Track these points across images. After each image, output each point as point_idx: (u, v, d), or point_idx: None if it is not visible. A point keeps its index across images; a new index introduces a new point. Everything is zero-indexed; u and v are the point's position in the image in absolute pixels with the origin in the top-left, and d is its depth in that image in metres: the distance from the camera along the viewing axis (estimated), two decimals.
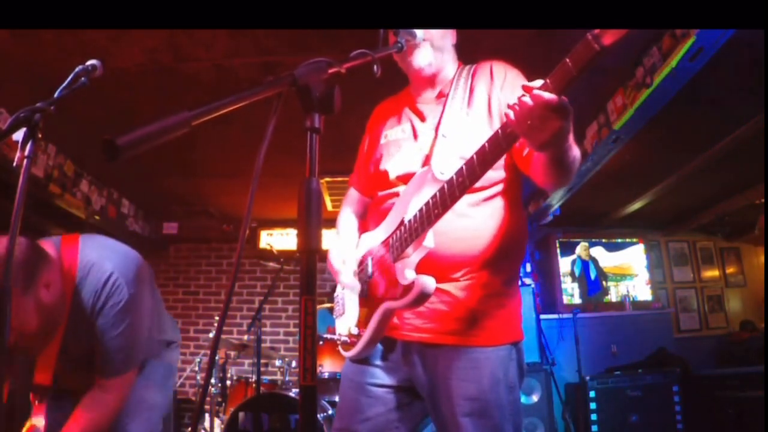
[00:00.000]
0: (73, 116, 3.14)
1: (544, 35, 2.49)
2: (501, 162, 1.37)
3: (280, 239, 5.58)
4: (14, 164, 1.08)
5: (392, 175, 1.45)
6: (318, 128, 0.84)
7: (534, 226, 4.80)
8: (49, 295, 1.44)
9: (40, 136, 1.07)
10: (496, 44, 2.52)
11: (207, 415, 3.74)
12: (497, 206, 1.37)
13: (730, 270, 6.01)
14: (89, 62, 1.22)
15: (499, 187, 1.38)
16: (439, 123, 1.40)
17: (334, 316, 1.58)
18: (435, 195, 1.20)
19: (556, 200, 4.35)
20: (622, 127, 3.03)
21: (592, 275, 5.63)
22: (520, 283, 1.71)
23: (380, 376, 1.40)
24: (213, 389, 3.82)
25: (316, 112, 0.84)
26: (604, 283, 5.63)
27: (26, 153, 1.05)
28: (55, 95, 1.14)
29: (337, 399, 2.26)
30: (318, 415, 3.03)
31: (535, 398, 4.23)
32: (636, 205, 4.98)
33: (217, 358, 3.81)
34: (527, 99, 0.96)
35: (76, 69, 1.20)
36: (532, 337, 4.42)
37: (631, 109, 2.86)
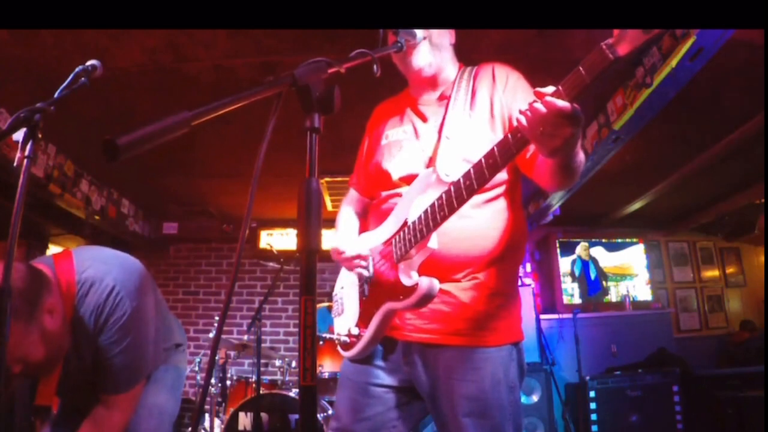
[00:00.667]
0: (73, 116, 3.14)
1: (544, 35, 2.49)
2: None
3: (280, 239, 5.58)
4: (14, 164, 1.08)
5: (395, 176, 1.45)
6: (318, 128, 0.84)
7: (534, 226, 4.79)
8: (53, 321, 1.38)
9: (40, 136, 1.07)
10: (495, 44, 2.53)
11: (207, 415, 3.74)
12: (499, 207, 1.37)
13: (730, 270, 6.02)
14: (89, 62, 1.22)
15: (501, 189, 1.38)
16: (442, 125, 1.40)
17: (333, 316, 1.58)
18: (441, 197, 1.20)
19: (556, 200, 4.35)
20: (622, 127, 3.03)
21: (592, 275, 5.62)
22: (520, 283, 1.71)
23: (380, 376, 1.40)
24: (213, 389, 3.82)
25: (316, 112, 0.84)
26: (604, 283, 5.62)
27: (26, 153, 1.05)
28: (55, 95, 1.14)
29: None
30: (318, 415, 3.03)
31: (535, 398, 4.23)
32: (636, 205, 4.98)
33: (217, 358, 3.80)
34: (539, 105, 0.95)
35: (76, 69, 1.20)
36: (532, 337, 4.42)
37: (631, 109, 2.86)
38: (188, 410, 4.93)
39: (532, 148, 1.21)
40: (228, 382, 3.82)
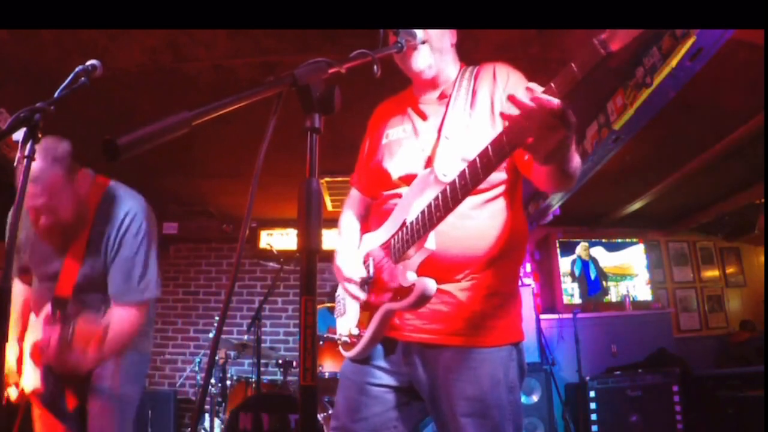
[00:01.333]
0: (73, 116, 3.13)
1: (543, 35, 2.49)
2: (503, 164, 1.37)
3: (280, 239, 5.57)
4: (14, 164, 1.08)
5: (394, 176, 1.45)
6: (318, 128, 0.84)
7: (534, 226, 4.79)
8: (82, 191, 1.66)
9: (40, 136, 1.07)
10: (495, 44, 2.53)
11: (207, 415, 3.74)
12: (498, 207, 1.37)
13: (730, 270, 6.01)
14: (89, 62, 1.23)
15: (501, 189, 1.38)
16: (441, 124, 1.40)
17: (335, 316, 1.59)
18: (437, 197, 1.20)
19: (556, 200, 4.35)
20: (622, 127, 3.03)
21: (592, 275, 5.62)
22: (520, 283, 1.71)
23: (380, 376, 1.40)
24: (213, 389, 3.82)
25: (316, 112, 0.84)
26: (604, 283, 5.62)
27: (26, 153, 1.05)
28: (55, 95, 1.14)
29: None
30: (318, 415, 3.03)
31: (535, 398, 4.23)
32: (636, 205, 4.98)
33: (217, 358, 3.81)
34: (530, 102, 0.94)
35: (76, 69, 1.21)
36: (532, 337, 4.42)
37: (631, 109, 2.86)
38: (188, 410, 4.93)
39: None
40: (228, 382, 3.82)
